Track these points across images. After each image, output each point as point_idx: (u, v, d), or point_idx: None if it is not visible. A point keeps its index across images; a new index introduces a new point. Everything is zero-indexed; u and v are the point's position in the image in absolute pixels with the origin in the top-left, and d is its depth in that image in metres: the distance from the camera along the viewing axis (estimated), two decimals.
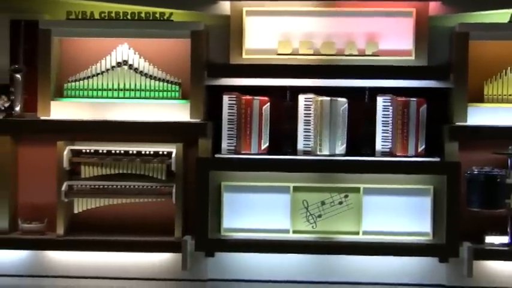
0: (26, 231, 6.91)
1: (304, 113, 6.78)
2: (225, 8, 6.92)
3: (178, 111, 6.81)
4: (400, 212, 6.68)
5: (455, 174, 6.57)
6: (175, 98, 6.90)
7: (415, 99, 6.76)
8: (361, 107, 6.83)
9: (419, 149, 6.77)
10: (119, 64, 6.91)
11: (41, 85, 6.86)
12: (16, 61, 6.95)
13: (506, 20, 6.86)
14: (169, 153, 6.80)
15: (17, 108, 6.91)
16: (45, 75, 6.85)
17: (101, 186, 6.86)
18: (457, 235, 6.58)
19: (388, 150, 6.76)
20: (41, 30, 6.84)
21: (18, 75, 6.90)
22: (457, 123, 6.69)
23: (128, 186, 6.84)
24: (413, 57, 6.82)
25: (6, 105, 6.88)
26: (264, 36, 6.90)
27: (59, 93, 6.96)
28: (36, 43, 6.87)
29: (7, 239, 6.86)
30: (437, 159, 6.71)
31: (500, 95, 6.80)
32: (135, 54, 6.93)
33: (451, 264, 6.74)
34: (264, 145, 6.84)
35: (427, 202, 6.67)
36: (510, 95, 6.80)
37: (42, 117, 6.86)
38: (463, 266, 6.66)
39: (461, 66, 6.68)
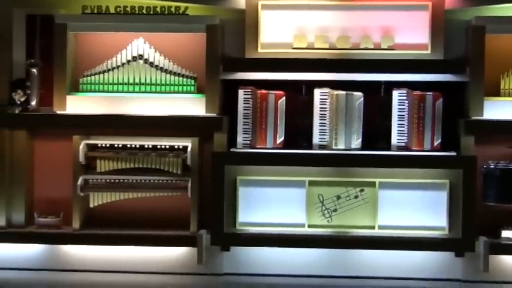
0: (41, 225, 6.93)
1: (320, 107, 6.77)
2: (241, 2, 6.90)
3: (193, 106, 6.81)
4: (416, 206, 6.66)
5: (471, 169, 6.55)
6: (190, 92, 6.89)
7: (431, 93, 6.73)
8: (377, 101, 6.81)
9: (435, 143, 6.74)
10: (134, 58, 6.91)
11: (56, 79, 6.85)
12: (32, 56, 6.96)
13: None
14: (185, 148, 6.81)
15: (33, 103, 6.93)
16: (61, 70, 6.85)
17: (117, 181, 6.87)
18: (473, 229, 6.56)
19: (403, 144, 6.75)
20: (57, 25, 6.83)
21: (34, 70, 6.91)
22: (473, 117, 6.66)
23: (143, 181, 6.85)
24: (429, 51, 6.79)
25: (22, 99, 6.88)
26: (280, 30, 6.88)
27: (75, 88, 6.96)
28: (52, 38, 6.87)
29: (23, 233, 6.88)
30: (453, 153, 6.68)
31: None
32: (150, 48, 6.92)
33: (467, 258, 6.72)
34: (280, 139, 6.83)
35: (443, 196, 6.64)
36: None
37: (58, 112, 6.86)
38: (479, 261, 6.64)
39: (477, 59, 6.64)
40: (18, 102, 6.88)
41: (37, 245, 6.93)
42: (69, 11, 6.99)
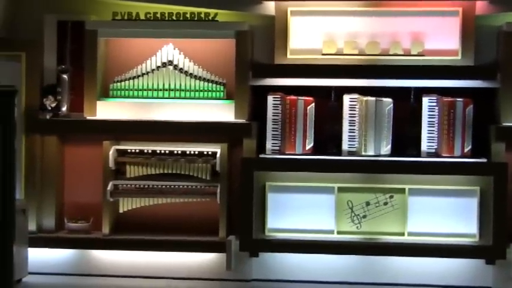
0: (72, 230, 6.98)
1: (349, 113, 6.75)
2: (270, 8, 6.92)
3: (223, 112, 6.83)
4: (446, 213, 6.63)
5: (502, 175, 6.50)
6: (220, 98, 6.91)
7: (461, 99, 6.69)
8: (407, 107, 6.79)
9: (466, 150, 6.70)
10: (164, 64, 6.94)
11: (87, 85, 6.91)
12: (63, 61, 7.02)
13: None
14: (214, 153, 6.82)
15: (64, 108, 6.97)
16: (92, 76, 6.90)
17: (146, 186, 6.89)
18: (504, 236, 6.51)
19: (433, 150, 6.71)
20: (88, 31, 6.90)
21: (65, 76, 6.97)
22: (504, 124, 6.61)
23: (172, 186, 6.86)
24: (459, 57, 6.76)
25: (53, 105, 6.92)
26: (309, 36, 6.89)
27: (105, 93, 7.00)
28: (82, 44, 6.93)
29: (53, 238, 6.93)
30: (483, 160, 6.64)
31: None
32: (180, 54, 6.95)
33: (498, 266, 6.65)
34: (309, 145, 6.82)
35: (473, 203, 6.60)
36: None
37: (88, 117, 6.91)
38: (510, 268, 6.58)
39: (508, 65, 6.61)
40: (49, 108, 6.92)
41: (67, 250, 6.97)
42: (99, 17, 7.05)
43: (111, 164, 6.85)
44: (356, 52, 6.81)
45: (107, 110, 6.90)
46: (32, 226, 6.88)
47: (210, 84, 6.92)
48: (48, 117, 6.93)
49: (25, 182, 6.91)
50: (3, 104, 5.49)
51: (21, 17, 7.10)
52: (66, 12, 7.03)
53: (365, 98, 6.76)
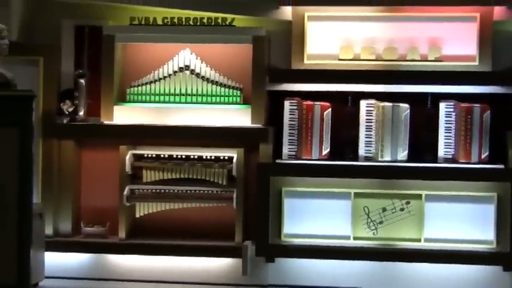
0: (88, 234, 6.99)
1: (366, 119, 6.75)
2: (287, 13, 6.92)
3: (239, 116, 6.83)
4: (463, 220, 6.60)
5: None
6: (236, 103, 6.91)
7: (478, 105, 6.68)
8: (424, 112, 6.77)
9: (483, 156, 6.68)
10: (181, 69, 6.95)
11: (104, 90, 6.93)
12: (80, 66, 7.03)
13: None
14: (231, 158, 6.82)
15: (81, 113, 6.98)
16: (109, 80, 6.92)
17: (162, 191, 6.90)
18: None
19: (450, 156, 6.70)
20: (105, 36, 6.92)
21: (82, 80, 6.97)
22: None
23: (188, 191, 6.87)
24: (477, 63, 6.74)
25: (71, 109, 6.94)
26: (326, 42, 6.89)
27: (122, 98, 7.02)
28: (100, 49, 6.96)
29: (70, 242, 6.94)
30: (501, 166, 6.61)
31: None
32: (197, 59, 6.96)
33: None
34: (325, 151, 6.82)
35: (490, 209, 6.56)
36: None
37: (105, 122, 6.92)
38: None
39: None
40: (67, 113, 6.94)
41: (83, 254, 6.98)
42: (117, 22, 7.06)
43: (127, 168, 6.87)
44: (373, 58, 6.80)
45: (123, 115, 6.92)
46: (48, 230, 6.89)
47: (226, 89, 6.93)
48: (65, 121, 6.95)
49: (42, 186, 6.93)
50: (21, 108, 5.63)
51: (39, 22, 7.13)
52: (83, 17, 7.05)
53: (382, 104, 6.75)
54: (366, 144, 6.75)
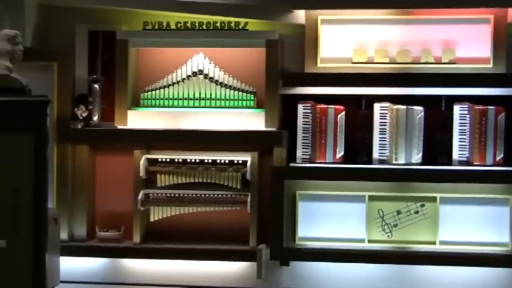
0: (103, 239, 7.01)
1: (380, 122, 6.74)
2: (300, 16, 6.91)
3: (253, 120, 6.83)
4: (478, 222, 6.59)
5: None
6: (250, 107, 6.92)
7: (493, 107, 6.66)
8: (438, 115, 6.75)
9: (498, 158, 6.66)
10: (194, 74, 6.95)
11: (118, 95, 6.94)
12: (94, 71, 7.04)
13: None
14: (245, 162, 6.83)
15: (95, 118, 7.00)
16: (122, 85, 6.93)
17: (177, 195, 6.91)
18: None
19: (465, 159, 6.68)
20: (119, 41, 6.92)
21: (96, 85, 6.99)
22: None
23: (203, 195, 6.88)
24: (491, 65, 6.70)
25: (85, 114, 6.95)
26: (339, 45, 6.87)
27: (136, 103, 7.03)
28: (113, 53, 6.96)
29: (85, 246, 6.96)
30: None
31: None
32: (210, 63, 6.96)
33: None
34: (339, 154, 6.82)
35: (505, 212, 6.55)
36: None
37: (119, 127, 6.94)
38: None
39: None
40: (81, 118, 6.95)
41: (98, 258, 7.00)
42: (130, 27, 7.07)
43: (141, 173, 6.88)
44: (387, 60, 6.78)
45: (137, 120, 6.93)
46: (63, 235, 6.90)
47: (240, 93, 6.93)
48: (79, 126, 6.96)
49: (57, 191, 6.94)
50: (36, 114, 5.61)
51: (53, 27, 7.14)
52: (97, 23, 7.06)
53: (396, 107, 6.75)
54: (380, 147, 6.74)
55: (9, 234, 5.50)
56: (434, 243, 6.62)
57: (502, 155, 6.66)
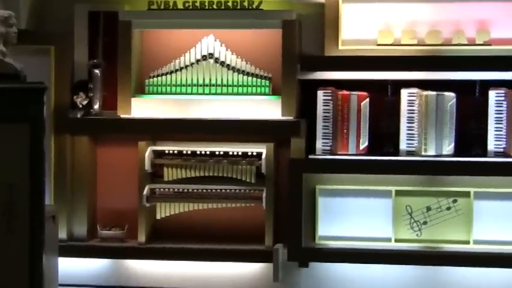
0: (105, 238, 6.90)
1: (407, 110, 6.56)
2: None
3: (268, 108, 6.68)
4: None
5: None
6: (265, 94, 6.78)
7: None
8: (471, 102, 6.57)
9: None
10: (204, 57, 6.81)
11: (121, 81, 6.81)
12: (95, 56, 6.92)
13: None
14: (259, 154, 6.68)
15: (96, 106, 6.87)
16: (126, 71, 6.80)
17: (185, 190, 6.79)
18: None
19: (501, 150, 6.48)
20: (121, 22, 6.79)
21: (97, 71, 6.86)
22: None
23: (214, 190, 6.76)
24: None
25: (84, 102, 6.83)
26: (363, 26, 6.70)
27: (140, 90, 6.92)
28: (116, 36, 6.84)
29: (85, 246, 6.86)
30: None
31: None
32: (221, 46, 6.81)
33: None
34: (363, 145, 6.65)
35: None
36: None
37: (123, 116, 6.82)
38: None
39: None
40: (80, 106, 6.83)
41: (100, 259, 6.89)
42: (134, 7, 6.94)
43: (147, 166, 6.74)
44: (415, 42, 6.60)
45: (142, 108, 6.79)
46: (62, 234, 6.74)
47: (254, 78, 6.78)
48: (79, 115, 6.83)
49: (55, 186, 6.84)
50: (31, 102, 5.51)
51: (50, 8, 7.00)
52: (98, 2, 6.92)
53: (425, 93, 6.56)
54: (407, 137, 6.56)
55: (4, 234, 5.41)
56: (467, 242, 6.46)
57: None
